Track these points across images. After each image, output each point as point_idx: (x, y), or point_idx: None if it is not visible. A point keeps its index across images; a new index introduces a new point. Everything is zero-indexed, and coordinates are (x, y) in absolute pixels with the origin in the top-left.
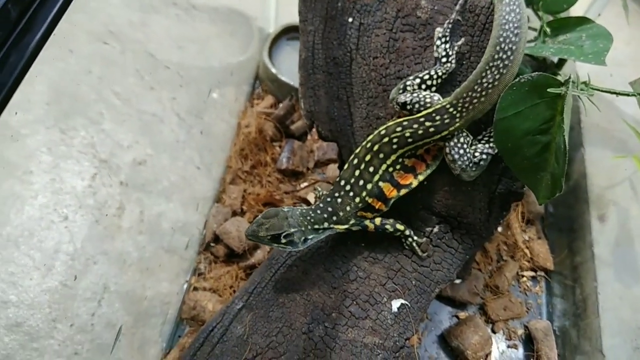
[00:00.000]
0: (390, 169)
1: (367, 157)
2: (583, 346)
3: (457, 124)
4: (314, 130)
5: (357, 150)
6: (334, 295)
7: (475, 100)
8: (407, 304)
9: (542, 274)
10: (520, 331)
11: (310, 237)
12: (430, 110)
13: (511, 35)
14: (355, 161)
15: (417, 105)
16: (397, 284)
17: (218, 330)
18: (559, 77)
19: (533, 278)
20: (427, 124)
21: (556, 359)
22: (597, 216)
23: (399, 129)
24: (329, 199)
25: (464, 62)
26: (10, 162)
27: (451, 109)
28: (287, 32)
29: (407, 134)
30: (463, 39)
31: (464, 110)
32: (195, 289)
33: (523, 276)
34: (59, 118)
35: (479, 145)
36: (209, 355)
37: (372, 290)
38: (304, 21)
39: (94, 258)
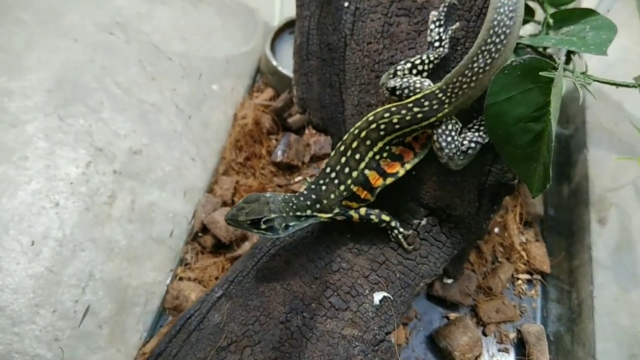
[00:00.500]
0: (377, 157)
1: (354, 144)
2: (576, 351)
3: (446, 110)
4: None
5: (345, 137)
6: (315, 285)
7: (465, 86)
8: (389, 297)
9: (539, 277)
10: (513, 335)
11: (292, 224)
12: (419, 95)
13: (505, 19)
14: (342, 148)
15: (406, 91)
16: (380, 277)
17: (195, 318)
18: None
19: (529, 281)
20: (415, 109)
21: None
22: (597, 219)
23: (386, 114)
24: (313, 186)
25: (459, 48)
26: (7, 147)
27: (440, 95)
28: (291, 26)
29: (395, 120)
30: (458, 24)
31: (453, 95)
32: (181, 278)
33: (518, 279)
34: (58, 105)
35: (469, 134)
36: (184, 343)
37: (354, 282)
38: (300, 6)
39: (82, 245)
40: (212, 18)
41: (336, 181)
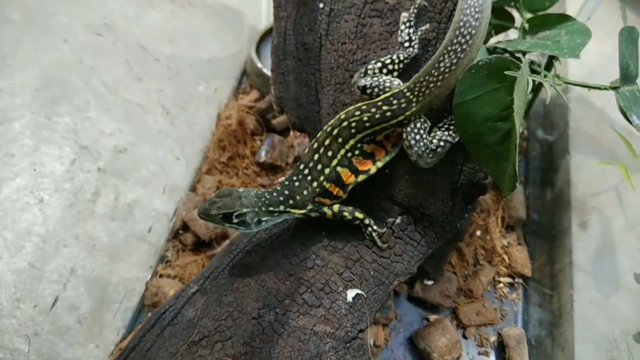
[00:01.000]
0: (349, 154)
1: (327, 142)
2: (556, 355)
3: (414, 109)
4: None
5: (318, 135)
6: (289, 282)
7: (431, 85)
8: (362, 294)
9: (520, 281)
10: (493, 338)
11: (264, 219)
12: (388, 94)
13: (471, 20)
14: (315, 145)
15: (376, 90)
16: (354, 274)
17: (170, 313)
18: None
19: (510, 285)
20: (384, 107)
21: None
22: (579, 223)
23: (357, 113)
24: (287, 182)
25: (430, 49)
26: None
27: (408, 93)
28: None
29: (365, 118)
30: (428, 25)
31: (420, 94)
32: (161, 275)
33: (500, 282)
34: (46, 104)
35: (438, 133)
36: (158, 337)
37: (328, 279)
38: (277, 7)
39: (65, 241)
40: (200, 21)
41: (309, 178)
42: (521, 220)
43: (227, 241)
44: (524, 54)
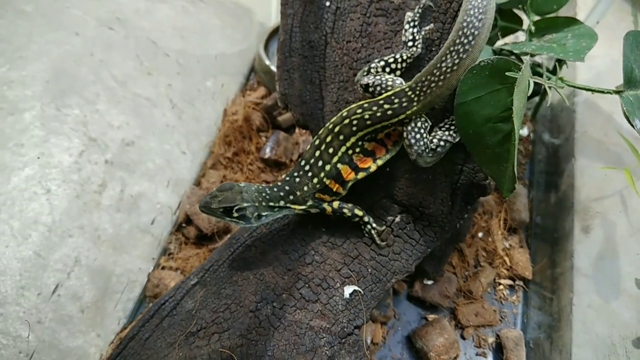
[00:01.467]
0: (350, 152)
1: (328, 139)
2: (554, 358)
3: (415, 108)
4: None
5: (320, 132)
6: (287, 276)
7: (433, 85)
8: (359, 291)
9: (521, 283)
10: (491, 339)
11: (264, 213)
12: (390, 93)
13: (475, 21)
14: (317, 142)
15: (378, 88)
16: (352, 271)
17: (169, 304)
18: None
19: (511, 287)
20: (386, 106)
21: None
22: (581, 227)
23: (359, 110)
24: (287, 178)
25: (433, 49)
26: (4, 134)
27: (410, 93)
28: None
29: (366, 116)
30: (432, 25)
31: (421, 94)
32: (163, 267)
33: (500, 284)
34: (56, 95)
35: (439, 132)
36: (157, 327)
37: (326, 275)
38: (284, 4)
39: (70, 231)
40: (210, 17)
41: (310, 174)
42: (524, 223)
43: (229, 235)
44: (530, 55)
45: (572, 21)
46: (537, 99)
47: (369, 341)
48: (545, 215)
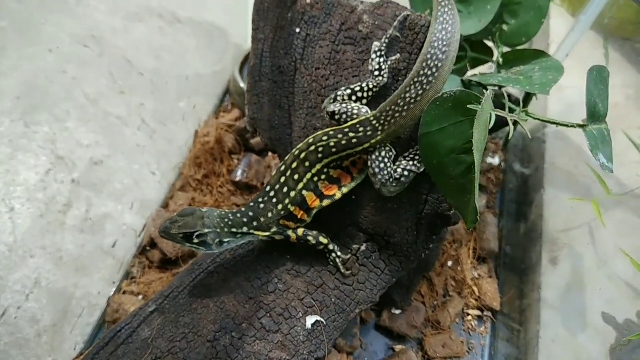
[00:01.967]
0: (315, 179)
1: (294, 165)
2: None
3: (379, 137)
4: None
5: (287, 158)
6: (248, 305)
7: (397, 115)
8: (322, 322)
9: (489, 314)
10: None
11: (226, 240)
12: (355, 121)
13: (439, 53)
14: (283, 168)
15: (344, 116)
16: (315, 300)
17: (125, 332)
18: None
19: (479, 318)
20: (351, 134)
21: None
22: (549, 259)
23: (325, 138)
24: (252, 204)
25: (400, 79)
26: None
27: (374, 122)
28: None
29: (332, 144)
30: (399, 55)
31: (386, 123)
32: (124, 292)
33: (469, 314)
34: (26, 112)
35: (403, 162)
36: (111, 356)
37: (288, 304)
38: (256, 29)
39: (32, 252)
40: (186, 38)
41: (274, 200)
42: (493, 252)
43: (194, 259)
44: (499, 87)
45: (540, 54)
46: (507, 128)
47: None
48: (515, 245)
